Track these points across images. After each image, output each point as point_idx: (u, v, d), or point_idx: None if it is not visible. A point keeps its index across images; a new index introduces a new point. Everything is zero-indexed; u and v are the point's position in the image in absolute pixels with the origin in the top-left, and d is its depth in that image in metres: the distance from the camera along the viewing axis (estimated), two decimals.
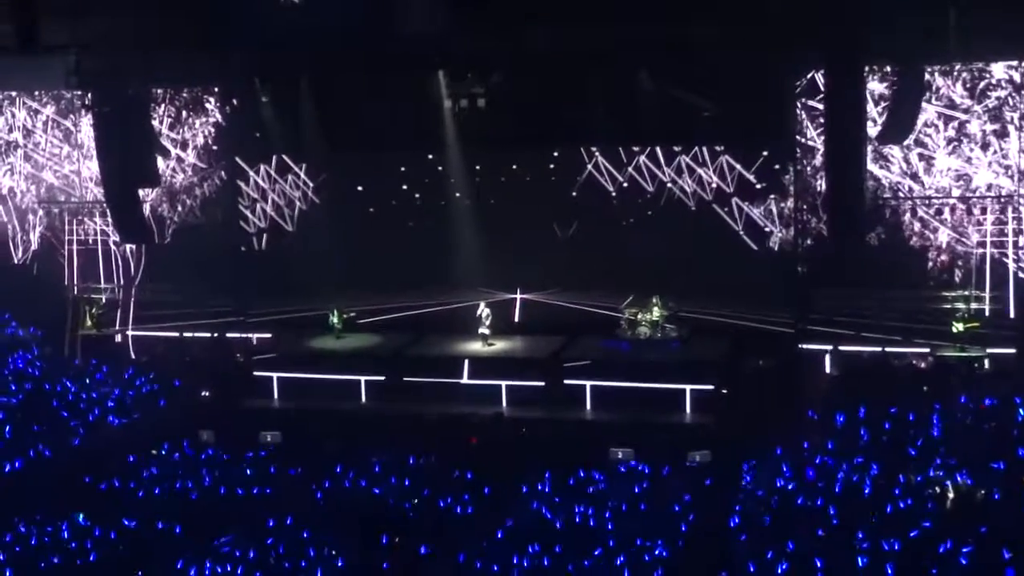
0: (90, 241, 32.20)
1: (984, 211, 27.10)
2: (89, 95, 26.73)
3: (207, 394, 27.35)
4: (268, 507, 20.95)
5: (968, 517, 17.93)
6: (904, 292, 26.99)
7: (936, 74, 26.82)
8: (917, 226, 27.57)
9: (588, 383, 25.73)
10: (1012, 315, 26.39)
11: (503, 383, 26.03)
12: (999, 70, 26.65)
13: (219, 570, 18.38)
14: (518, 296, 29.40)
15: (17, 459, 22.92)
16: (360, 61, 25.25)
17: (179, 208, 31.90)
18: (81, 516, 20.49)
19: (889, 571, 16.55)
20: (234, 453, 23.78)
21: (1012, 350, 25.34)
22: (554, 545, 18.68)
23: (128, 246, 31.72)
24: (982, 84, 26.80)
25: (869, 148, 25.96)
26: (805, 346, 26.93)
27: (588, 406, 25.71)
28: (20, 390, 25.89)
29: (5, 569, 18.34)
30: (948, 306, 25.97)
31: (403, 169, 30.37)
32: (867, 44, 20.82)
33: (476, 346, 27.49)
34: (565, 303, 29.12)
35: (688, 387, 25.21)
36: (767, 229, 28.39)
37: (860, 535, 17.58)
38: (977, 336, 25.41)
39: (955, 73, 26.84)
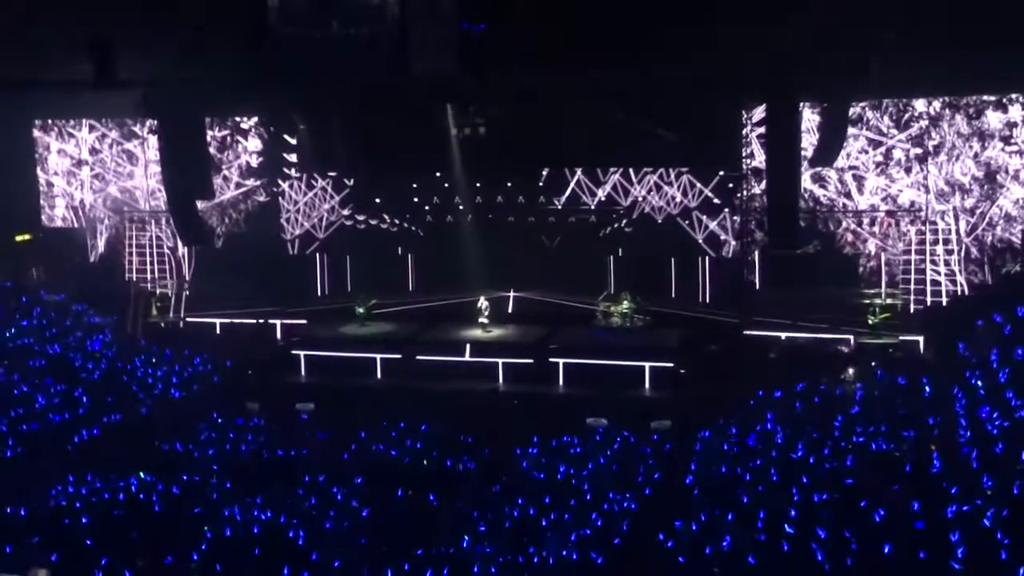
0: (148, 245, 32.29)
1: (898, 223, 27.37)
2: (155, 122, 26.90)
3: (250, 372, 27.45)
4: (303, 466, 21.11)
5: (885, 476, 18.05)
6: (834, 291, 27.14)
7: (867, 108, 27.05)
8: (849, 236, 27.80)
9: (567, 362, 25.90)
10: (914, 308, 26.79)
11: (499, 362, 26.21)
12: (920, 104, 26.91)
13: (262, 516, 18.47)
14: (511, 294, 29.46)
15: (95, 427, 23.09)
16: (381, 96, 25.35)
17: (227, 219, 32.02)
18: (144, 473, 20.56)
19: (821, 520, 16.55)
20: (275, 420, 23.92)
21: (919, 337, 25.55)
22: (542, 497, 18.90)
23: (182, 249, 31.84)
24: (906, 116, 27.04)
25: (807, 170, 26.30)
26: (749, 333, 27.06)
27: (569, 383, 25.85)
28: (97, 368, 25.92)
29: (83, 516, 18.43)
30: (867, 302, 26.20)
31: (415, 186, 30.49)
32: (800, 83, 20.97)
33: (477, 332, 27.64)
34: (551, 299, 29.18)
35: (651, 366, 25.40)
36: (722, 238, 28.60)
37: (794, 491, 17.74)
38: (891, 326, 25.62)
39: (883, 106, 27.07)
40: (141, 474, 20.36)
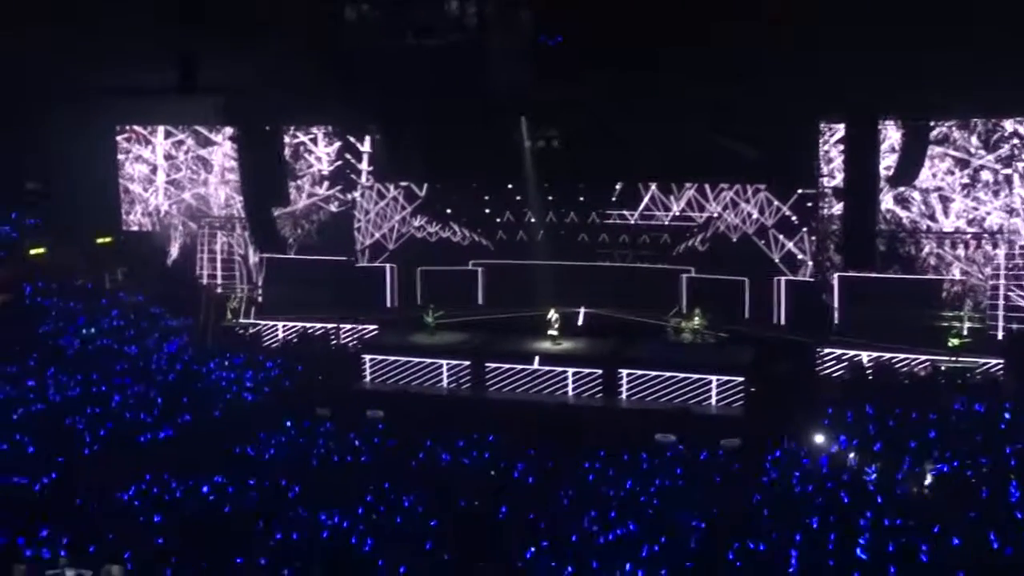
0: (220, 251, 33.18)
1: (980, 246, 27.09)
2: (233, 129, 27.64)
3: (321, 378, 28.01)
4: (371, 473, 21.46)
5: (959, 504, 17.94)
6: (915, 314, 26.84)
7: (953, 127, 26.80)
8: (932, 260, 27.56)
9: (636, 376, 26.00)
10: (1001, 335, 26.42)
11: (568, 374, 26.44)
12: (1009, 123, 26.65)
13: (328, 522, 18.84)
14: (582, 309, 29.64)
15: (169, 428, 23.75)
16: (458, 107, 25.76)
17: (299, 229, 32.66)
18: (218, 476, 21.04)
19: (890, 547, 16.55)
20: (345, 427, 24.37)
21: (1000, 362, 25.23)
22: (607, 512, 19.01)
23: (254, 256, 32.57)
24: (995, 136, 26.73)
25: (888, 191, 26.13)
26: (823, 354, 26.89)
27: (638, 398, 26.02)
28: (171, 370, 26.61)
29: (155, 515, 18.95)
30: (947, 325, 25.92)
31: (487, 198, 30.80)
32: (881, 103, 20.99)
33: (546, 345, 27.77)
34: (621, 315, 29.21)
35: (721, 383, 25.39)
36: (799, 258, 28.45)
37: (866, 514, 17.70)
38: (972, 350, 25.32)
39: (971, 126, 26.77)
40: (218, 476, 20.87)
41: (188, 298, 31.83)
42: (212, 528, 18.47)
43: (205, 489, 20.43)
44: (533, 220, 30.49)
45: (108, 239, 33.00)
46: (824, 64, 20.86)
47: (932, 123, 25.73)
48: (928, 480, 19.25)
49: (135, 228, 34.38)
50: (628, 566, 16.58)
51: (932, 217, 27.64)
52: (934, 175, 27.25)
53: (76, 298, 28.92)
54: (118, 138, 34.38)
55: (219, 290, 32.61)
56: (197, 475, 20.86)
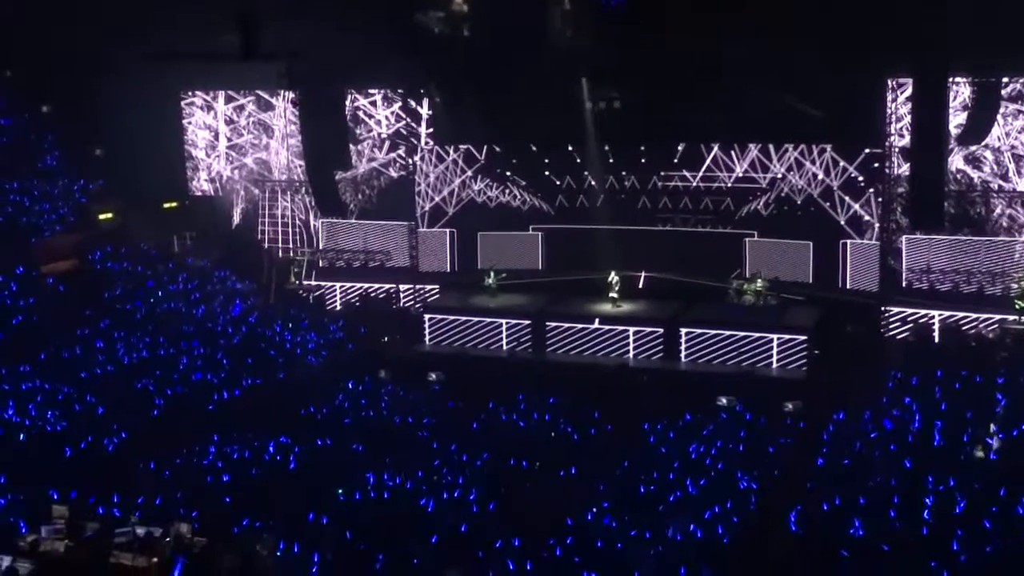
0: (282, 215, 33.47)
1: None
2: (296, 94, 27.81)
3: (386, 339, 28.24)
4: (433, 434, 21.68)
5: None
6: (984, 277, 26.40)
7: None
8: (1005, 222, 26.99)
9: (697, 339, 25.95)
10: None
11: (629, 336, 26.43)
12: None
13: (390, 483, 19.06)
14: (643, 274, 29.47)
15: (235, 389, 24.12)
16: (519, 68, 25.64)
17: (360, 195, 32.78)
18: (283, 436, 21.35)
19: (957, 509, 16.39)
20: (406, 389, 24.60)
21: None
22: (668, 474, 19.01)
23: (315, 221, 32.82)
24: None
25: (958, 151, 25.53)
26: (888, 315, 26.44)
27: (699, 360, 25.99)
28: (237, 332, 27.06)
29: (223, 475, 19.28)
30: (1016, 286, 25.41)
31: (547, 161, 30.67)
32: (948, 60, 20.50)
33: (606, 307, 27.78)
34: (682, 278, 29.05)
35: (783, 345, 25.22)
36: (865, 219, 27.95)
37: (930, 478, 17.47)
38: None
39: None
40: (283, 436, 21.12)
41: (252, 262, 32.28)
42: (279, 487, 18.82)
43: (271, 448, 20.77)
44: (593, 184, 30.33)
45: (174, 204, 33.45)
46: (892, 16, 20.41)
47: (1005, 79, 25.08)
48: (995, 444, 18.97)
49: (199, 194, 34.76)
50: (691, 526, 16.64)
51: (1004, 177, 27.01)
52: (1007, 133, 26.61)
53: (144, 263, 29.38)
54: (182, 103, 34.68)
55: (281, 254, 32.98)
56: (262, 436, 21.17)
